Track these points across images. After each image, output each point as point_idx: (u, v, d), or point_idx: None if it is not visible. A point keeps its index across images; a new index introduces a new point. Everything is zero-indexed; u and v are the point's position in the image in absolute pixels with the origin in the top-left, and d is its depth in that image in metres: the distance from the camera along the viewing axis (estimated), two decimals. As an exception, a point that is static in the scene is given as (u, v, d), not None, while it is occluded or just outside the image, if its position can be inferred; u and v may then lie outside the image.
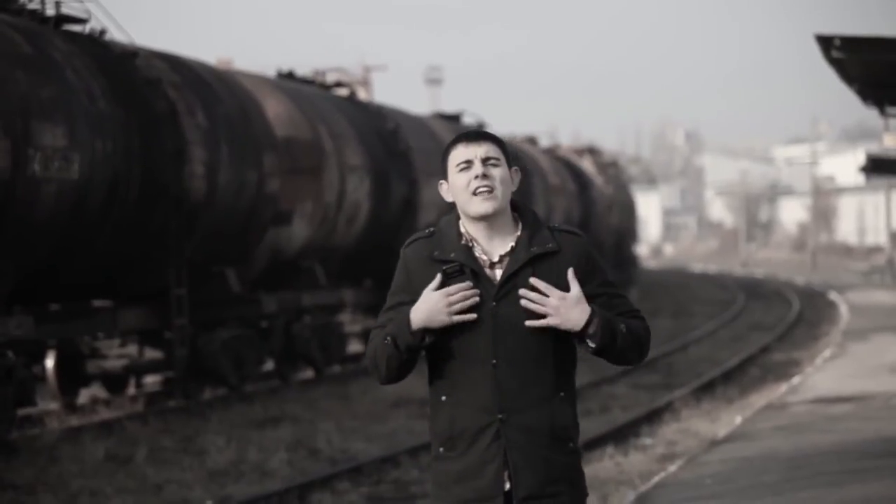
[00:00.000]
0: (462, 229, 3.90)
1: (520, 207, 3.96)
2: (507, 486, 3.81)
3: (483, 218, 3.86)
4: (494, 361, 3.81)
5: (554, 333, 3.84)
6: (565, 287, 3.84)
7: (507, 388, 3.81)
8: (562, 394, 3.87)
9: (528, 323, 3.79)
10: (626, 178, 55.81)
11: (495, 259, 3.87)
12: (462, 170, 3.87)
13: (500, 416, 3.81)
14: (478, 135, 3.93)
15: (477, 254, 3.87)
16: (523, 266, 3.84)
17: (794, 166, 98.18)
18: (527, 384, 3.83)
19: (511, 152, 3.99)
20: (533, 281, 3.80)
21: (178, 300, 15.21)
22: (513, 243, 3.88)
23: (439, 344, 3.87)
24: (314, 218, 18.68)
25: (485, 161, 3.86)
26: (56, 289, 14.29)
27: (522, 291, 3.79)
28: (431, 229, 3.96)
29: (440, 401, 3.89)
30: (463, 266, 3.84)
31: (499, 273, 3.86)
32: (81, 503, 10.47)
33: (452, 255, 3.86)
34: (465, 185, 3.85)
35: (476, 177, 3.84)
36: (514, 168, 3.94)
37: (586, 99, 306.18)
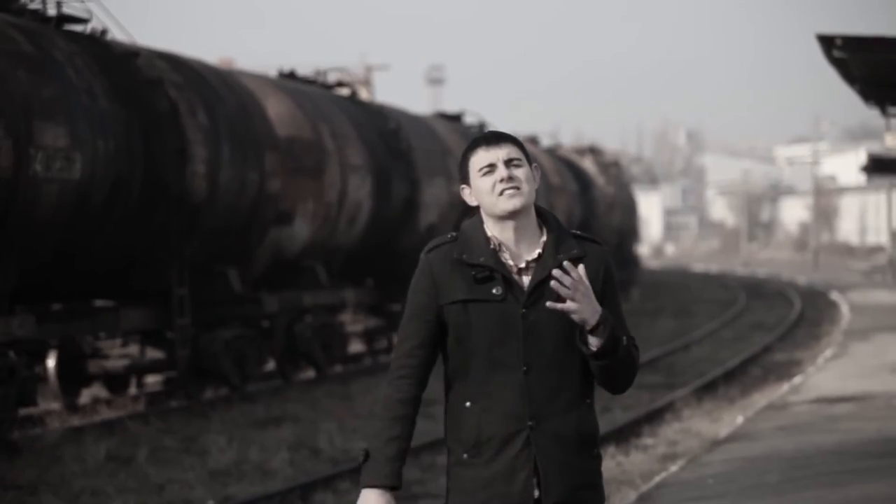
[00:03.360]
0: (489, 233, 3.88)
1: (543, 213, 3.94)
2: (537, 493, 3.80)
3: (511, 217, 3.83)
4: (525, 368, 3.78)
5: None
6: None
7: (537, 394, 3.78)
8: (588, 400, 3.87)
9: (549, 304, 3.74)
10: (628, 177, 55.84)
11: (522, 265, 3.85)
12: (485, 173, 3.85)
13: (529, 422, 3.78)
14: (497, 137, 3.91)
15: (504, 259, 3.85)
16: (551, 273, 3.82)
17: (795, 166, 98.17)
18: (556, 391, 3.81)
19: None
20: (566, 265, 3.73)
21: (180, 300, 15.22)
22: (539, 249, 3.86)
23: (463, 350, 3.86)
24: (315, 217, 18.68)
25: (507, 163, 3.85)
26: (58, 288, 14.30)
27: (556, 272, 3.71)
28: (454, 234, 3.93)
29: (464, 407, 3.85)
30: (493, 271, 3.82)
31: (526, 280, 3.84)
32: (83, 503, 10.48)
33: (482, 259, 3.83)
34: (490, 187, 3.83)
35: (501, 179, 3.82)
36: (534, 165, 3.93)
37: (588, 99, 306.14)
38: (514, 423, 3.79)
